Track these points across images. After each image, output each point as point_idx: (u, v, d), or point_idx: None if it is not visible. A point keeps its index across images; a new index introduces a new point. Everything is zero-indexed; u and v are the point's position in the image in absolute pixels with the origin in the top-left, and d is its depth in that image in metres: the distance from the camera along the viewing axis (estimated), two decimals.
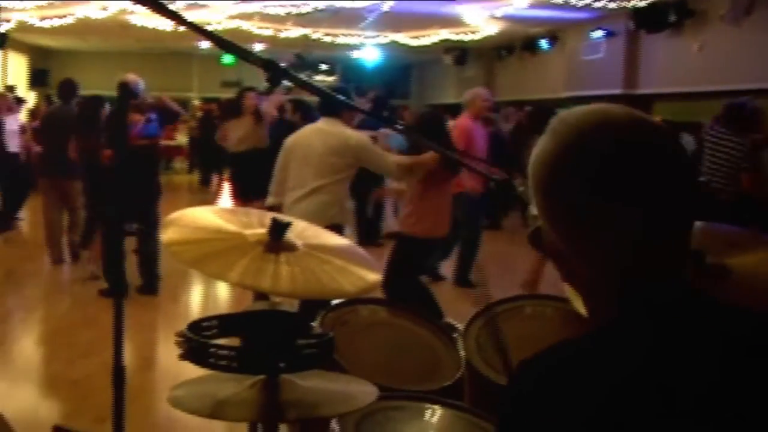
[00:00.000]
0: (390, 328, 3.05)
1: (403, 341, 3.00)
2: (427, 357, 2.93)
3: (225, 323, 2.28)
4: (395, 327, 3.06)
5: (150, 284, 8.54)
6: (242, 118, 10.12)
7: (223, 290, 9.06)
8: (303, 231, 2.42)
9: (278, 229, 2.26)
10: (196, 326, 2.22)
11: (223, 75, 27.30)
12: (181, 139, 23.86)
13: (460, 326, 3.02)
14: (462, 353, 2.88)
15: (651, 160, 1.23)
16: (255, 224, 2.34)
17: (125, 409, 4.08)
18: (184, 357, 2.11)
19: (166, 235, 2.22)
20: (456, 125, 8.64)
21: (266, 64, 1.86)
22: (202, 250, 2.21)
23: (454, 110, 22.13)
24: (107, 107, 9.32)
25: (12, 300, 8.74)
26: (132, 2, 1.78)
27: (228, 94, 26.25)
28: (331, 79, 27.03)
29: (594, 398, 1.15)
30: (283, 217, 2.31)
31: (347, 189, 6.05)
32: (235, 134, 10.20)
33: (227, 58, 26.80)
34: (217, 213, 2.43)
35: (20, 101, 20.05)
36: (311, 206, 5.64)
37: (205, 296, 9.21)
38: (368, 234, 11.60)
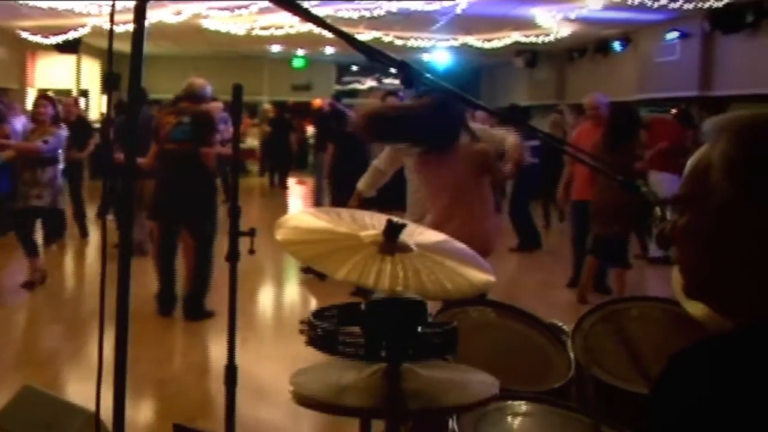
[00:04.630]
0: (499, 329, 3.07)
1: (512, 343, 3.02)
2: (536, 358, 2.94)
3: (345, 312, 2.33)
4: (504, 328, 3.08)
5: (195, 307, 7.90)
6: None
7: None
8: (414, 232, 2.45)
9: (393, 230, 2.30)
10: (319, 314, 2.28)
11: (293, 79, 27.58)
12: (252, 142, 24.05)
13: (567, 327, 3.03)
14: (571, 355, 2.89)
15: None
16: (373, 225, 2.39)
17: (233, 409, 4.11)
18: (310, 343, 2.17)
19: (282, 236, 2.27)
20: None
21: (399, 65, 1.86)
22: (318, 249, 2.28)
23: (524, 113, 22.10)
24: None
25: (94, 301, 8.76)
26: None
27: (297, 97, 26.61)
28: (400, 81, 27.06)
29: (748, 392, 1.17)
30: (398, 219, 2.35)
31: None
32: None
33: (298, 62, 27.02)
34: (322, 216, 2.47)
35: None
36: None
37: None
38: None
